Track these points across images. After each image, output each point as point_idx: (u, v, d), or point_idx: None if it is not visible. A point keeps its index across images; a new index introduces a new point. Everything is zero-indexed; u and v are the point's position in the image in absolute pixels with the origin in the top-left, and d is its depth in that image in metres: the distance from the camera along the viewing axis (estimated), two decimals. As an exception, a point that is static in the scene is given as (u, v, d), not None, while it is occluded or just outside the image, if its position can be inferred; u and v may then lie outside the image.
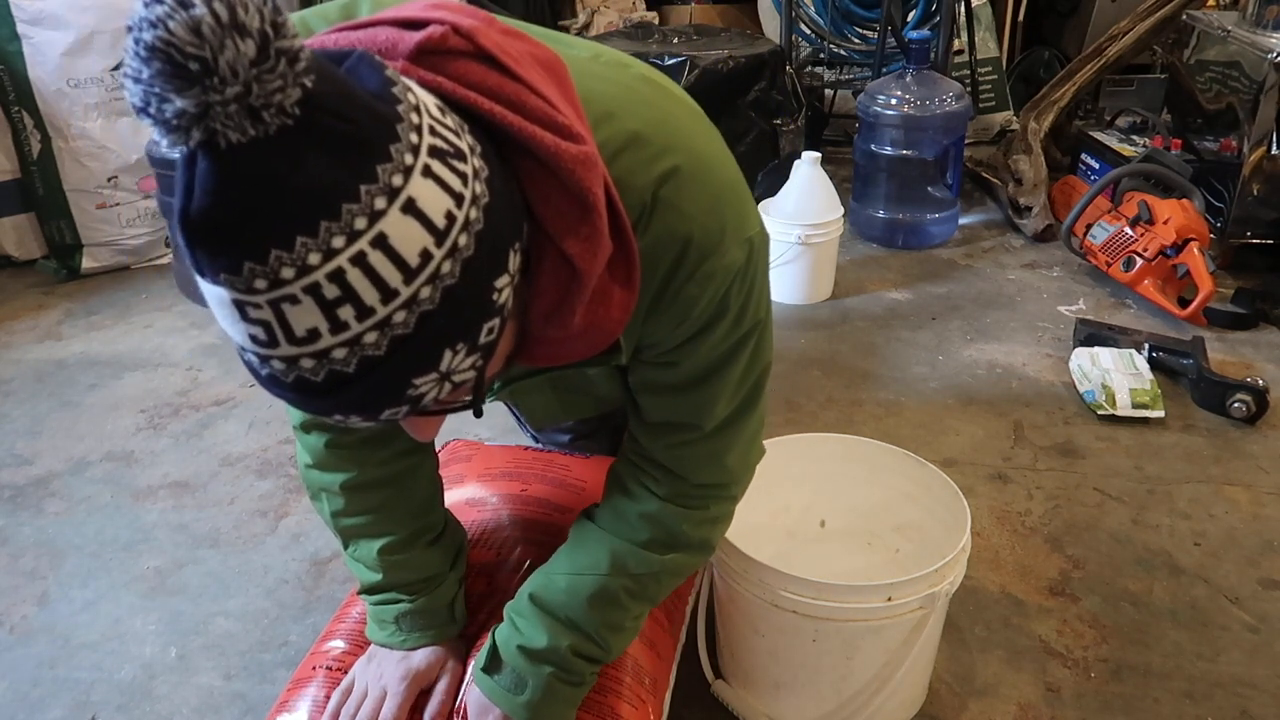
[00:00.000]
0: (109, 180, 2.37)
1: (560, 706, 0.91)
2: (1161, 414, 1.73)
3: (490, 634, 0.94)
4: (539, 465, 1.23)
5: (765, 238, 0.83)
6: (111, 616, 1.34)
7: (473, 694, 0.92)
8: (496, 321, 0.62)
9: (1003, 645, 1.26)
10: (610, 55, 0.83)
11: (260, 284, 0.52)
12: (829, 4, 3.19)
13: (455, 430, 1.57)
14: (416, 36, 0.61)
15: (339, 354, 0.55)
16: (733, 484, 0.93)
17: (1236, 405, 1.72)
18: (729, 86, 2.49)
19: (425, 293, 0.56)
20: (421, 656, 0.96)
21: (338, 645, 1.03)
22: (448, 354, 0.59)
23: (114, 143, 2.35)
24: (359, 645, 1.01)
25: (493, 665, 0.91)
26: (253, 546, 1.47)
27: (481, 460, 1.25)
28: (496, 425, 1.72)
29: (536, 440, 1.46)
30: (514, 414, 1.51)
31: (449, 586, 1.00)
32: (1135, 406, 1.73)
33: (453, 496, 1.18)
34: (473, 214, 0.58)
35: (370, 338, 0.55)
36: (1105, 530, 1.47)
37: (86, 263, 2.42)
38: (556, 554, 0.95)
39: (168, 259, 2.46)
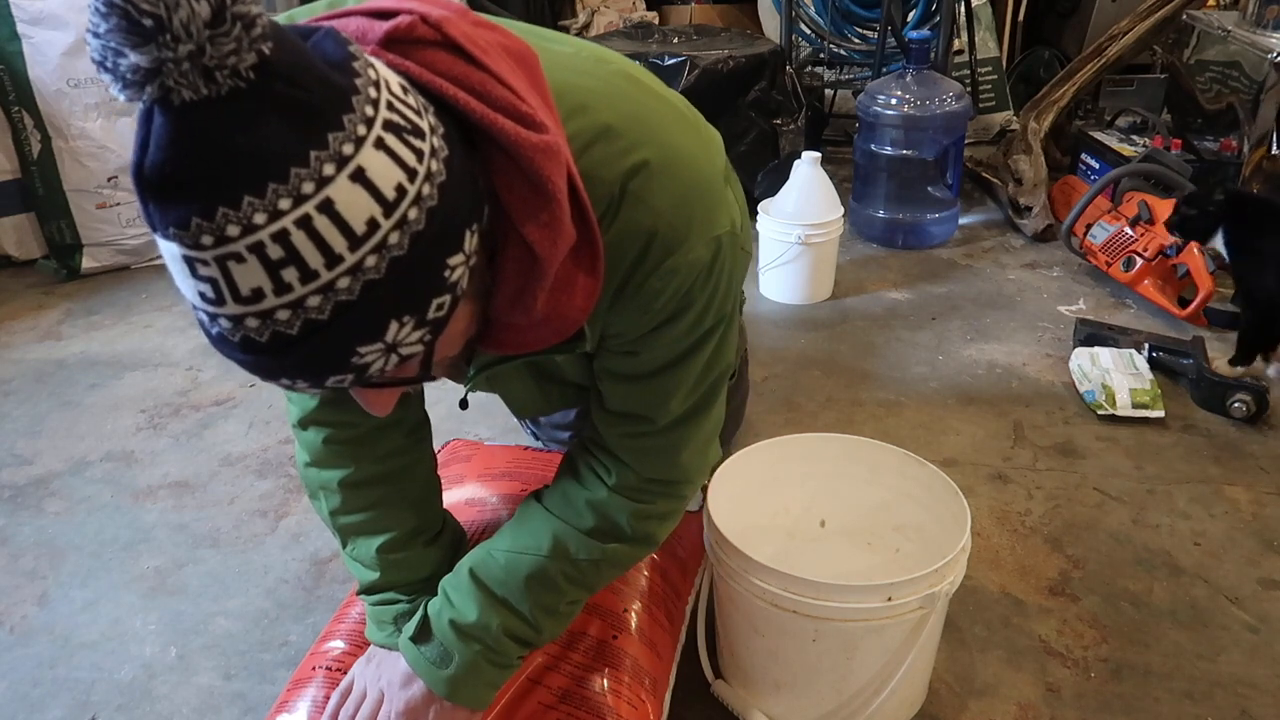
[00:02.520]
0: (109, 180, 2.38)
1: (482, 687, 0.91)
2: (1161, 414, 1.73)
3: (423, 604, 0.93)
4: (538, 465, 1.23)
5: (735, 239, 0.84)
6: (111, 616, 1.34)
7: (399, 663, 0.92)
8: (447, 299, 0.63)
9: (1003, 645, 1.26)
10: (592, 51, 0.84)
11: (207, 240, 0.54)
12: (829, 4, 3.19)
13: (456, 430, 1.57)
14: (385, 25, 0.63)
15: (282, 315, 0.56)
16: (683, 482, 0.93)
17: (1236, 405, 1.72)
18: (729, 86, 2.50)
19: (371, 261, 0.57)
20: None
21: (338, 645, 1.03)
22: (393, 325, 0.60)
23: (114, 143, 2.35)
24: (359, 645, 1.01)
25: (421, 636, 0.91)
26: (253, 546, 1.47)
27: (481, 460, 1.25)
28: (497, 425, 1.72)
29: (537, 439, 1.46)
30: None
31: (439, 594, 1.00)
32: (1135, 406, 1.73)
33: (452, 496, 1.18)
34: (426, 189, 0.59)
35: (313, 301, 0.56)
36: (1105, 530, 1.47)
37: (86, 263, 2.42)
38: (500, 531, 0.95)
39: (168, 259, 2.46)
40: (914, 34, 2.65)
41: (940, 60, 2.70)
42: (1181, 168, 2.28)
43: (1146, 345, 1.88)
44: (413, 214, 0.58)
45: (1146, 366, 1.82)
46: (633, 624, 1.04)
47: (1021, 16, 3.38)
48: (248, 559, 1.44)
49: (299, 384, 0.61)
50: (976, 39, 3.08)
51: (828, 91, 3.19)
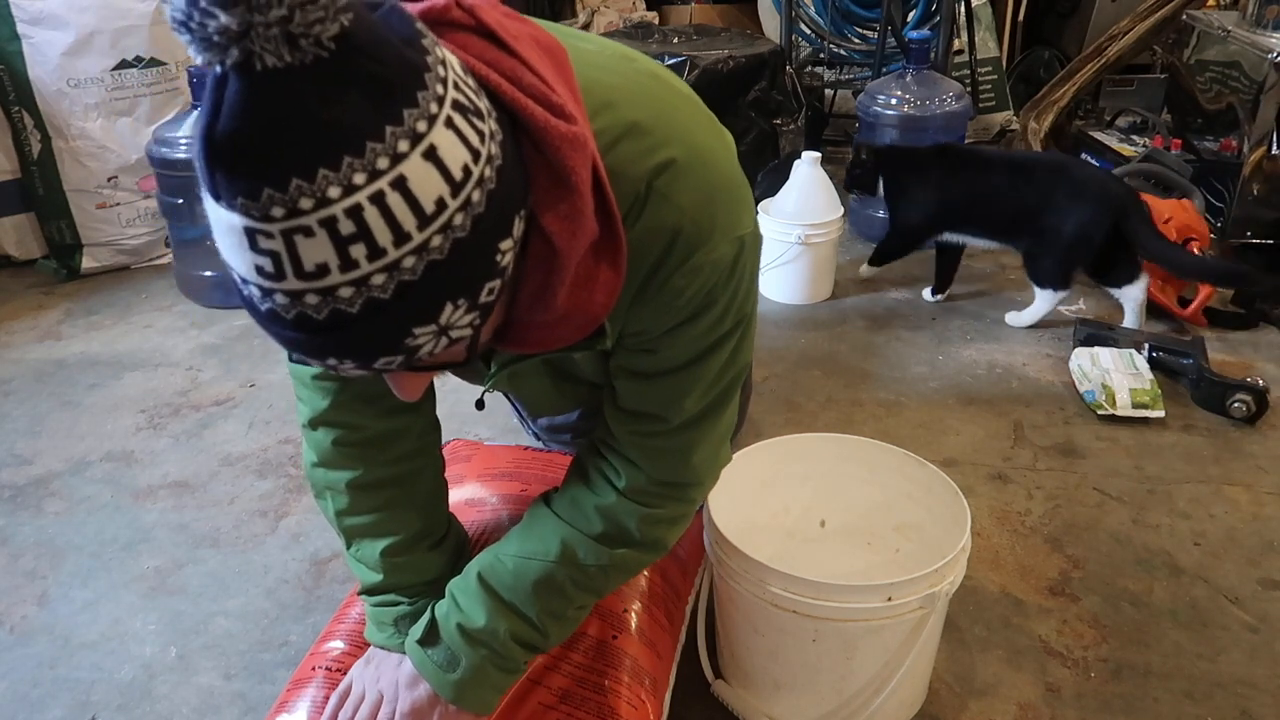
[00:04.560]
0: (109, 180, 2.37)
1: (488, 690, 0.91)
2: (1161, 414, 1.73)
3: (429, 607, 0.93)
4: (538, 465, 1.23)
5: (758, 239, 0.83)
6: (111, 616, 1.34)
7: (405, 665, 0.92)
8: (498, 283, 0.63)
9: (1003, 645, 1.26)
10: (616, 49, 0.84)
11: (277, 212, 0.53)
12: (829, 4, 3.19)
13: (456, 430, 1.57)
14: (419, 6, 0.62)
15: (345, 293, 0.56)
16: (693, 485, 0.92)
17: (1236, 405, 1.72)
18: (729, 86, 2.50)
19: (436, 241, 0.57)
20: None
21: (337, 646, 1.03)
22: (449, 307, 0.60)
23: (114, 143, 2.35)
24: (358, 646, 1.01)
25: (428, 639, 0.91)
26: (253, 546, 1.47)
27: (481, 460, 1.25)
28: (497, 425, 1.72)
29: (538, 439, 1.46)
30: (516, 410, 1.51)
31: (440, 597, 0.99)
32: (1135, 406, 1.73)
33: (452, 496, 1.18)
34: (487, 172, 0.59)
35: (378, 279, 0.56)
36: (1105, 530, 1.47)
37: (86, 263, 2.42)
38: (508, 535, 0.95)
39: (168, 259, 2.46)
40: (914, 34, 2.65)
41: (940, 60, 2.70)
42: (1181, 168, 2.28)
43: (1146, 345, 1.88)
44: (475, 196, 0.58)
45: (1146, 366, 1.82)
46: (633, 624, 1.04)
47: (1021, 16, 3.38)
48: (248, 559, 1.44)
49: (346, 364, 0.60)
50: (976, 39, 3.08)
51: (828, 91, 3.19)
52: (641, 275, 0.77)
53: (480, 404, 0.93)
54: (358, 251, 0.55)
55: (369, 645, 0.98)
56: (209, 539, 1.49)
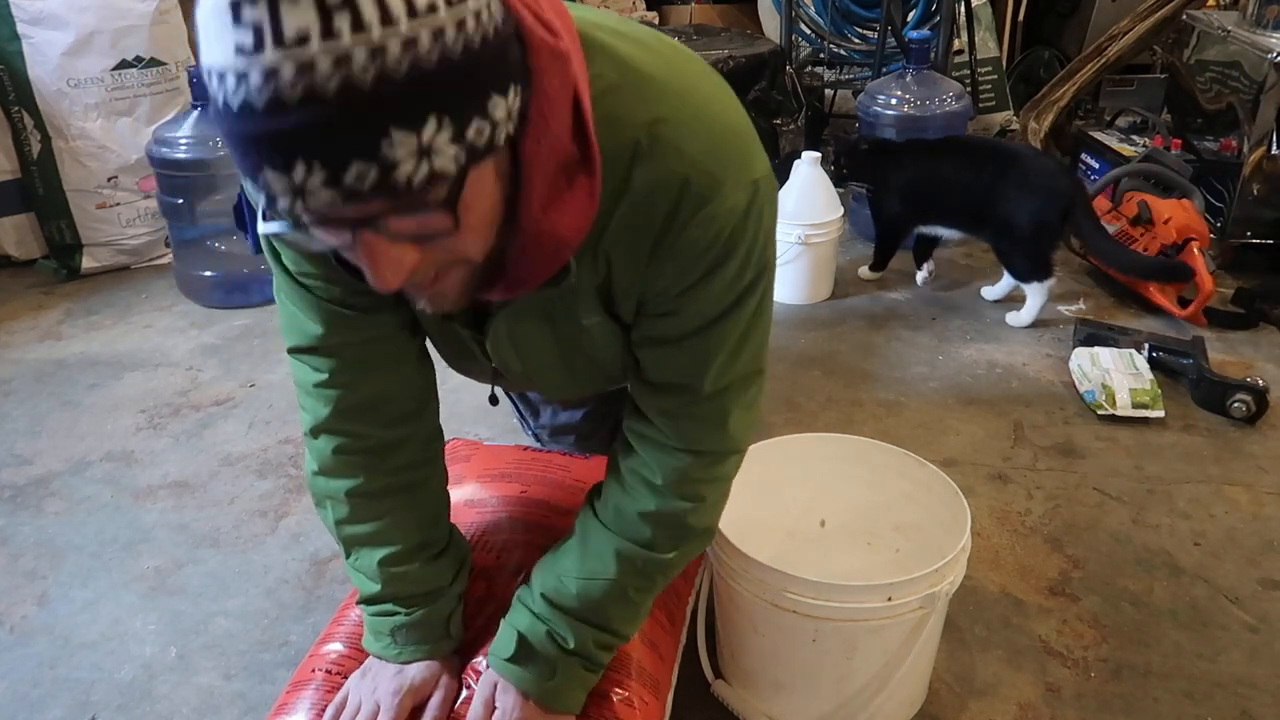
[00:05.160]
0: (109, 180, 2.38)
1: (580, 691, 0.95)
2: (1161, 414, 1.73)
3: (508, 624, 0.95)
4: (538, 466, 1.23)
5: (773, 183, 0.81)
6: (111, 616, 1.34)
7: (405, 673, 0.95)
8: (487, 130, 0.60)
9: (1003, 645, 1.26)
10: (614, 10, 0.84)
11: None
12: (829, 4, 3.19)
13: (456, 430, 1.57)
14: None
15: (324, 66, 0.53)
16: (731, 453, 0.90)
17: (1236, 405, 1.72)
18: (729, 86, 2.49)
19: (425, 40, 0.55)
20: (416, 671, 0.96)
21: (336, 648, 1.03)
22: (432, 121, 0.56)
23: (114, 143, 2.35)
24: (358, 649, 1.01)
25: (521, 658, 0.92)
26: (253, 546, 1.47)
27: (481, 461, 1.25)
28: (497, 425, 1.72)
29: (538, 440, 1.46)
30: (517, 409, 1.51)
31: (447, 601, 0.99)
32: (1135, 406, 1.73)
33: (452, 497, 1.18)
34: (485, 15, 0.58)
35: (360, 58, 0.53)
36: (1105, 530, 1.47)
37: (86, 263, 2.42)
38: (565, 550, 0.95)
39: (168, 259, 2.46)
40: (914, 34, 2.65)
41: (940, 60, 2.70)
42: (1181, 168, 2.28)
43: (1146, 345, 1.88)
44: (470, 24, 0.57)
45: (1146, 366, 1.82)
46: None
47: (1021, 16, 3.38)
48: (248, 559, 1.44)
49: (314, 171, 0.55)
50: (976, 39, 3.08)
51: (828, 91, 3.19)
52: (655, 230, 0.75)
53: (493, 400, 0.92)
54: (341, 21, 0.53)
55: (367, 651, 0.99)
56: (209, 539, 1.49)
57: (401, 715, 0.93)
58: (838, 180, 2.22)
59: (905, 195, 2.16)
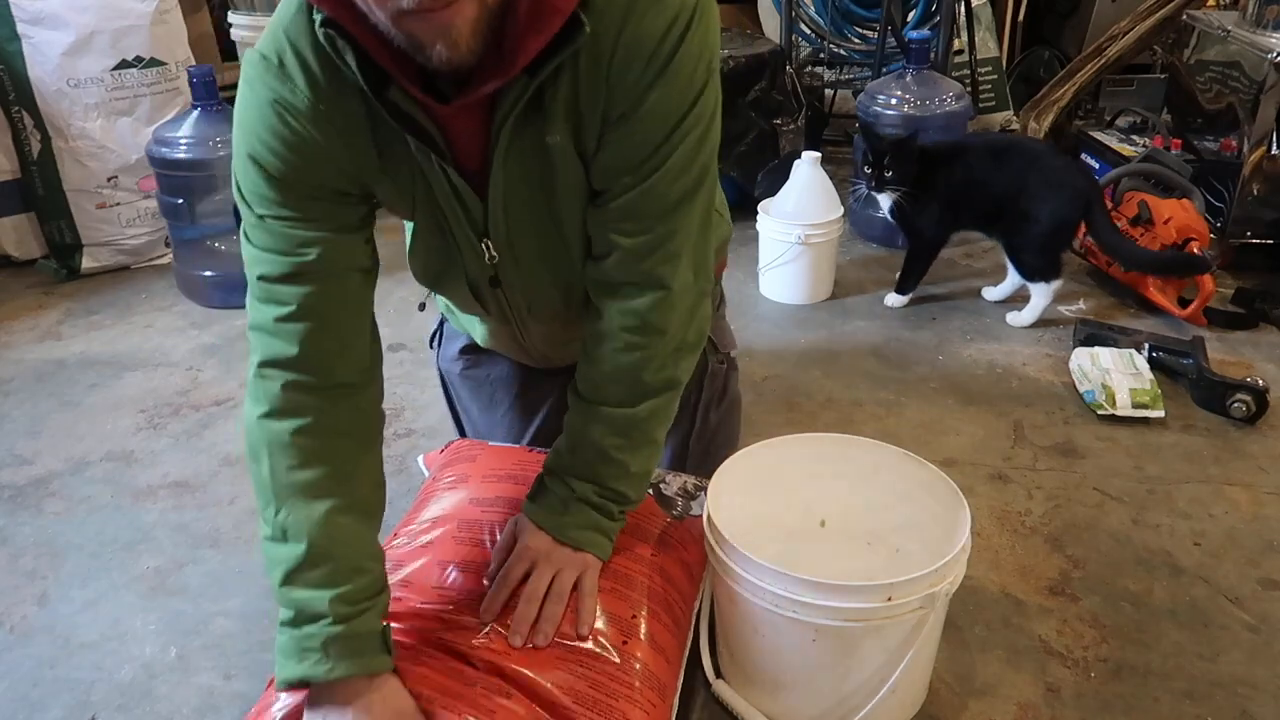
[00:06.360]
0: (109, 180, 2.38)
1: (594, 533, 1.05)
2: (1161, 414, 1.73)
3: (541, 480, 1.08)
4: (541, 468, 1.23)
5: (713, 4, 0.92)
6: (111, 616, 1.34)
7: (520, 521, 1.06)
8: None
9: (1003, 645, 1.26)
10: None
11: None
12: (829, 4, 3.19)
13: (456, 432, 1.57)
14: None
15: None
16: (678, 295, 0.99)
17: (1236, 405, 1.72)
18: (729, 86, 2.49)
19: None
20: (375, 707, 0.87)
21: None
22: None
23: (114, 143, 2.36)
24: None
25: (536, 494, 1.07)
26: (253, 546, 1.47)
27: (486, 461, 1.25)
28: (496, 425, 1.72)
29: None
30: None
31: (380, 605, 0.93)
32: (1135, 406, 1.73)
33: (456, 495, 1.18)
34: None
35: None
36: (1105, 530, 1.47)
37: (86, 263, 2.42)
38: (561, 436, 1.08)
39: (168, 259, 2.46)
40: (914, 34, 2.65)
41: (940, 60, 2.70)
42: (1181, 168, 2.28)
43: (1146, 345, 1.88)
44: None
45: (1146, 366, 1.82)
46: (642, 630, 1.04)
47: (1021, 16, 3.38)
48: (248, 559, 1.44)
49: None
50: (976, 39, 3.08)
51: (828, 91, 3.19)
52: (615, 27, 0.85)
53: (422, 305, 1.10)
54: None
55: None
56: (209, 539, 1.49)
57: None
58: (878, 186, 2.06)
59: (948, 201, 2.06)
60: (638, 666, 1.00)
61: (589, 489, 1.04)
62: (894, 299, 2.20)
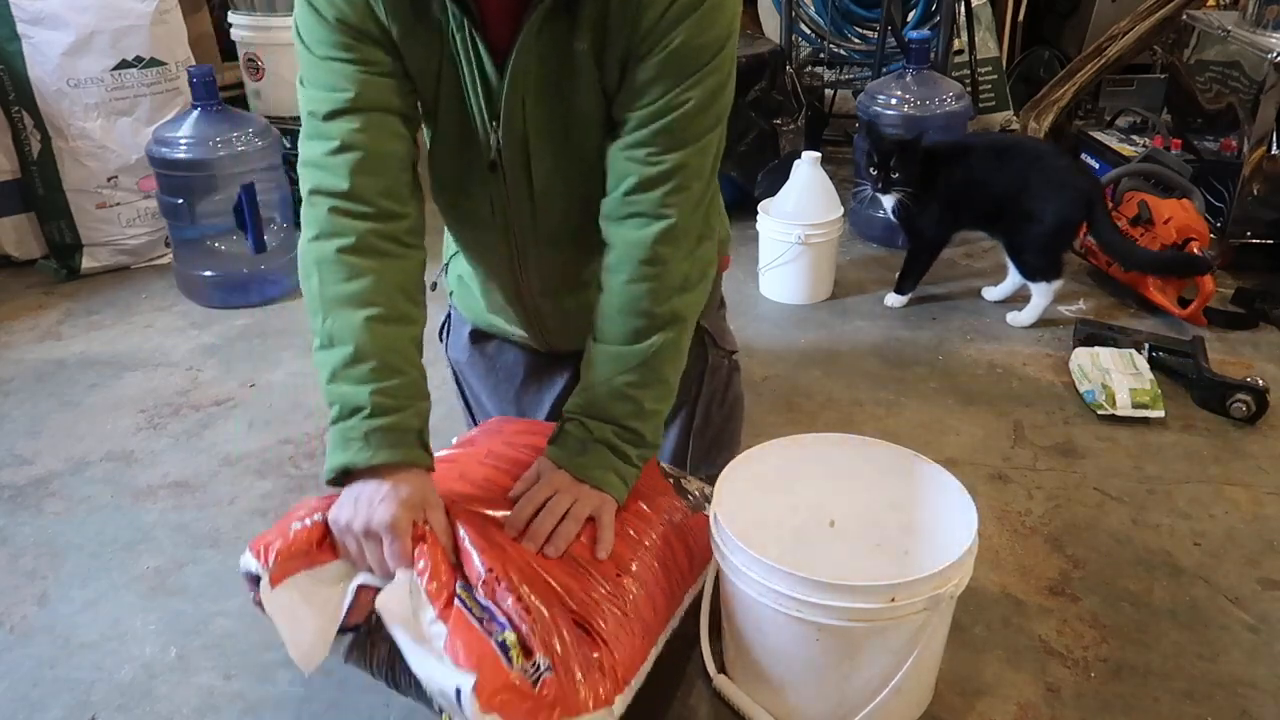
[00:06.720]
0: (109, 180, 2.37)
1: (611, 474, 1.08)
2: (1161, 414, 1.73)
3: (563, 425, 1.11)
4: None
5: None
6: (111, 616, 1.34)
7: (541, 462, 1.10)
8: None
9: (1003, 645, 1.26)
10: None
11: None
12: (829, 4, 3.19)
13: (456, 430, 1.57)
14: None
15: None
16: (682, 230, 1.05)
17: (1236, 405, 1.72)
18: (729, 86, 2.49)
19: None
20: (405, 488, 0.95)
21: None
22: None
23: (114, 143, 2.35)
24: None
25: (557, 438, 1.10)
26: (253, 546, 1.47)
27: (514, 429, 1.28)
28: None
29: None
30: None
31: (419, 409, 1.01)
32: (1135, 406, 1.73)
33: (485, 439, 1.24)
34: None
35: None
36: (1105, 530, 1.47)
37: (86, 263, 2.42)
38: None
39: (168, 259, 2.46)
40: (914, 34, 2.65)
41: (940, 60, 2.70)
42: (1181, 168, 2.28)
43: (1146, 345, 1.88)
44: None
45: (1146, 366, 1.82)
46: (638, 571, 1.07)
47: (1021, 16, 3.38)
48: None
49: None
50: (976, 39, 3.08)
51: (828, 91, 3.19)
52: None
53: (434, 285, 1.14)
54: None
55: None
56: (209, 539, 1.49)
57: (406, 538, 0.93)
58: (883, 188, 2.07)
59: (949, 201, 2.07)
60: (630, 597, 1.03)
61: (607, 430, 1.08)
62: (894, 299, 2.21)
